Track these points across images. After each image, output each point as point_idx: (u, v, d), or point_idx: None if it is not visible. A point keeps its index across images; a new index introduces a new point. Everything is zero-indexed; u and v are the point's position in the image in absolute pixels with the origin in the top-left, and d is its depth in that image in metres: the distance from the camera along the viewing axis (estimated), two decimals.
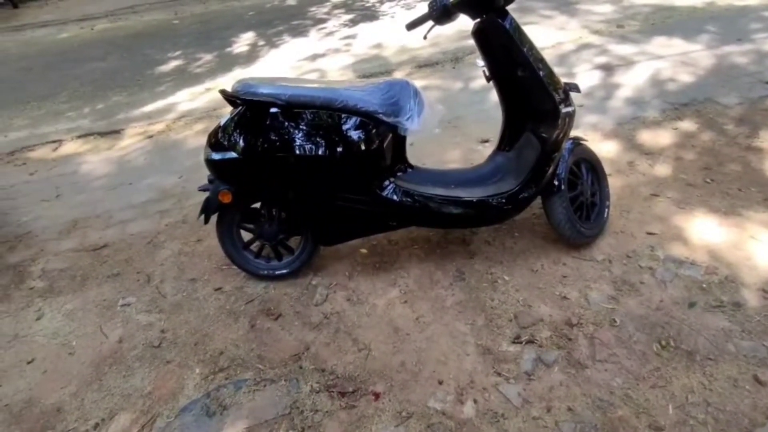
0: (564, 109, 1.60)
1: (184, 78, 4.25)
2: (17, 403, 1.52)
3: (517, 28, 1.59)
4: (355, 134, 1.58)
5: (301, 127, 1.57)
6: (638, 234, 1.93)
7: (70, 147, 3.27)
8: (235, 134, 1.61)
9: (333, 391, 1.47)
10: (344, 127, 1.58)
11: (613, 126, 2.68)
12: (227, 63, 4.47)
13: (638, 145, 2.51)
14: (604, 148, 2.49)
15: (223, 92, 1.59)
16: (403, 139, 1.76)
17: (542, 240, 1.97)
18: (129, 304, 1.89)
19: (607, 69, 3.33)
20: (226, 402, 1.46)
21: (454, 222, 1.76)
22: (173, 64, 4.63)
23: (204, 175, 2.67)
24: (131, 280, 2.02)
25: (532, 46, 1.61)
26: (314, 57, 4.30)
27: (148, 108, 3.71)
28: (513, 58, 1.61)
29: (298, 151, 1.57)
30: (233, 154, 1.61)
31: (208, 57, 4.69)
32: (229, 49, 4.83)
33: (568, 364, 1.48)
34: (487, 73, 1.75)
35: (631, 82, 3.13)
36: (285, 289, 1.88)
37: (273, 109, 1.55)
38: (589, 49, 3.61)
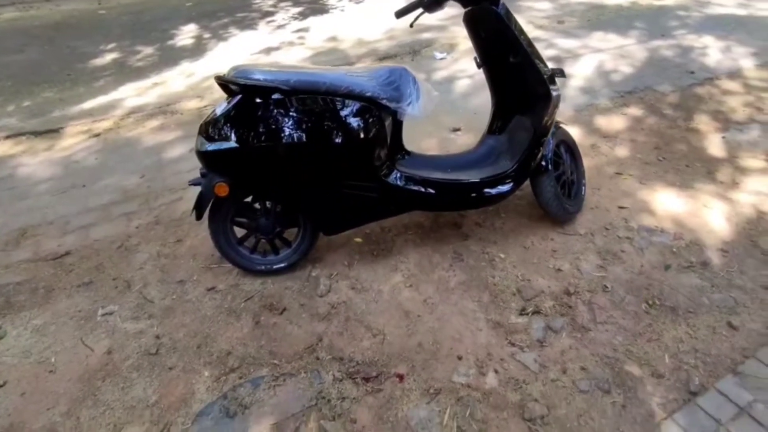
0: (554, 93, 1.71)
1: (124, 72, 3.92)
2: None
3: (509, 14, 1.67)
4: (357, 120, 1.57)
5: (301, 113, 1.53)
6: (611, 208, 2.11)
7: None
8: (231, 123, 1.53)
9: (356, 378, 1.46)
10: (345, 113, 1.56)
11: (572, 113, 2.89)
12: (172, 56, 4.19)
13: (596, 129, 2.73)
14: (571, 134, 2.68)
15: (218, 78, 1.51)
16: (401, 125, 1.78)
17: (528, 219, 2.08)
18: (111, 312, 1.73)
19: (557, 61, 3.57)
20: (246, 401, 1.40)
21: (454, 204, 1.81)
22: (109, 57, 4.25)
23: (169, 174, 2.56)
24: (108, 287, 1.85)
25: (523, 32, 1.70)
26: (268, 50, 4.17)
27: (89, 104, 3.38)
28: (505, 44, 1.69)
29: (299, 139, 1.53)
30: (231, 144, 1.53)
31: (148, 50, 4.37)
32: (171, 42, 4.53)
33: (573, 329, 1.59)
34: (479, 60, 1.81)
35: (580, 73, 3.39)
36: (284, 282, 1.82)
37: (274, 96, 1.49)
38: (537, 42, 3.79)
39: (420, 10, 1.76)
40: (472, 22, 1.73)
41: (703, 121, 2.78)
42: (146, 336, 1.63)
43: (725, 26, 4.21)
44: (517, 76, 1.74)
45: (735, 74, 3.34)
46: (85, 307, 1.76)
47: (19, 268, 1.97)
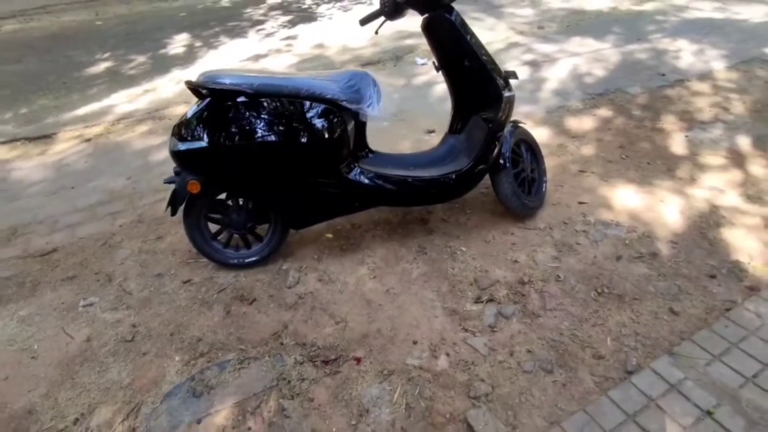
0: (506, 94, 1.82)
1: (117, 80, 4.06)
2: None
3: (462, 22, 1.78)
4: (320, 121, 1.68)
5: (267, 115, 1.64)
6: (572, 204, 2.21)
7: None
8: (202, 124, 1.64)
9: (316, 361, 1.56)
10: (310, 115, 1.67)
11: (543, 114, 3.00)
12: (163, 64, 4.33)
13: (566, 130, 2.84)
14: (538, 134, 2.77)
15: (188, 83, 1.63)
16: (364, 126, 1.89)
17: (491, 215, 2.18)
18: (92, 303, 1.84)
19: (534, 65, 3.69)
20: (212, 382, 1.50)
21: (416, 200, 1.92)
22: (103, 65, 4.39)
23: (155, 176, 2.68)
24: (90, 281, 1.96)
25: (475, 38, 1.81)
26: (256, 57, 4.30)
27: (81, 111, 3.52)
28: (460, 49, 1.80)
29: (266, 139, 1.64)
30: (201, 144, 1.64)
31: (141, 59, 4.51)
32: (163, 51, 4.68)
33: (524, 315, 1.68)
34: (437, 64, 1.93)
35: (555, 76, 3.50)
36: (256, 275, 1.92)
37: (240, 98, 1.61)
38: (516, 47, 3.97)
39: (382, 18, 1.88)
40: (429, 29, 1.85)
41: (669, 121, 2.89)
42: (123, 325, 1.73)
43: (701, 30, 4.32)
44: (472, 78, 1.85)
45: (705, 76, 3.44)
46: (68, 300, 1.87)
47: (8, 264, 2.08)
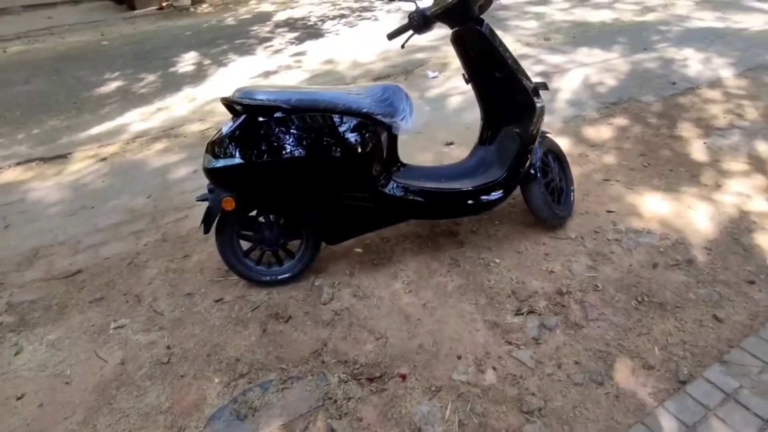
0: (538, 104, 1.82)
1: (128, 99, 4.06)
2: None
3: (493, 33, 1.79)
4: (355, 135, 1.68)
5: (303, 130, 1.63)
6: (600, 212, 2.21)
7: (9, 175, 3.00)
8: (237, 141, 1.63)
9: (361, 379, 1.52)
10: (344, 129, 1.67)
11: (561, 124, 3.02)
12: (174, 82, 4.34)
13: (585, 139, 2.85)
14: (558, 144, 2.79)
15: (224, 99, 1.62)
16: (396, 139, 1.89)
17: (521, 225, 2.17)
18: (123, 326, 1.80)
19: (545, 76, 3.72)
20: (256, 404, 1.46)
21: (451, 212, 1.91)
22: (113, 85, 4.40)
23: (175, 194, 2.66)
24: (119, 302, 1.92)
25: (506, 49, 1.82)
26: (267, 74, 4.32)
27: (95, 131, 3.50)
28: (491, 61, 1.81)
29: (302, 154, 1.63)
30: (236, 161, 1.63)
31: (151, 77, 4.52)
32: (173, 69, 4.69)
33: (567, 327, 1.66)
34: (467, 76, 1.93)
35: (567, 86, 3.54)
36: (289, 292, 1.89)
37: (276, 114, 1.60)
38: (526, 59, 4.01)
39: (410, 32, 1.89)
40: (459, 42, 1.86)
41: (685, 129, 2.91)
42: (157, 346, 1.70)
43: (704, 39, 4.39)
44: (503, 90, 1.86)
45: (715, 84, 3.48)
46: (97, 322, 1.83)
47: (33, 286, 2.05)
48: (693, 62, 3.88)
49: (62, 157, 3.17)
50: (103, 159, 3.11)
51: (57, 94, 4.30)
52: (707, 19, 5.03)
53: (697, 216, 2.14)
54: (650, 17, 5.22)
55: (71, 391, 1.56)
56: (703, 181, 2.39)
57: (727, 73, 3.64)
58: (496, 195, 1.86)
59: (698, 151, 2.66)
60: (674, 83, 3.50)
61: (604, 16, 5.33)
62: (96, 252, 2.24)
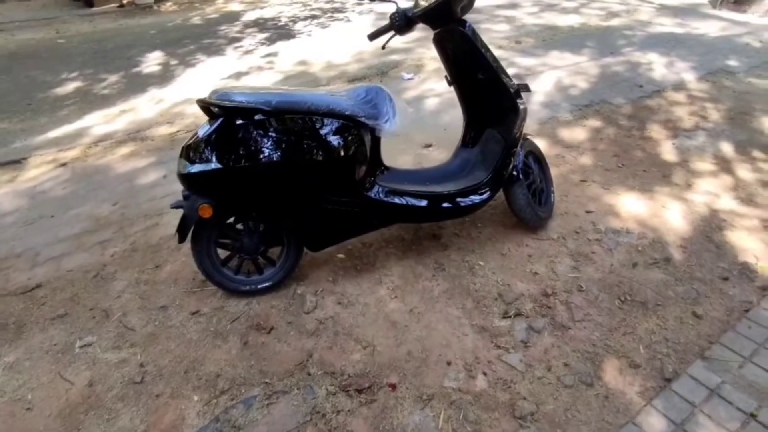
0: (521, 106, 1.82)
1: (89, 100, 3.84)
2: None
3: (476, 34, 1.78)
4: (338, 138, 1.62)
5: (283, 133, 1.57)
6: (580, 213, 2.24)
7: None
8: (214, 145, 1.54)
9: (349, 390, 1.47)
10: (326, 132, 1.61)
11: (537, 126, 3.06)
12: (138, 83, 4.14)
13: (560, 140, 2.90)
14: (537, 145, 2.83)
15: (200, 101, 1.53)
16: (379, 141, 1.84)
17: (503, 227, 2.17)
18: (90, 344, 1.68)
19: (519, 78, 3.76)
20: (240, 422, 1.38)
21: (436, 215, 1.88)
22: (72, 85, 4.16)
23: (144, 200, 2.53)
24: (85, 318, 1.79)
25: (488, 50, 1.81)
26: (238, 75, 4.20)
27: (53, 134, 3.29)
28: (473, 62, 1.79)
29: (283, 158, 1.56)
30: (214, 166, 1.54)
31: (113, 78, 4.30)
32: (137, 69, 4.48)
33: (554, 328, 1.66)
34: (449, 78, 1.92)
35: (540, 89, 3.59)
36: (270, 302, 1.82)
37: (257, 117, 1.53)
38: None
39: (392, 33, 1.86)
40: (441, 43, 1.84)
41: (655, 130, 3.00)
42: (129, 365, 1.59)
43: (666, 44, 4.57)
44: (486, 91, 1.85)
45: (679, 87, 3.63)
46: (61, 340, 1.70)
47: None
48: (657, 66, 4.02)
49: (16, 163, 2.96)
50: (63, 164, 2.92)
51: (9, 94, 4.03)
52: (668, 25, 5.24)
53: (671, 215, 2.21)
54: (615, 22, 5.40)
55: (33, 418, 1.43)
56: (675, 181, 2.47)
57: (689, 77, 3.79)
58: (480, 197, 1.85)
59: (668, 151, 2.75)
60: (641, 86, 3.62)
61: (572, 20, 5.47)
62: (57, 264, 2.08)
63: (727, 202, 2.29)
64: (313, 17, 6.10)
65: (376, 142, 1.81)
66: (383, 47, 1.95)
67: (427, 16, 1.75)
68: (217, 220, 1.69)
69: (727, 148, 2.78)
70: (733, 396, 1.39)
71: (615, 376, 1.48)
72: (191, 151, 1.56)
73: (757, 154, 2.71)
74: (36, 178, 2.78)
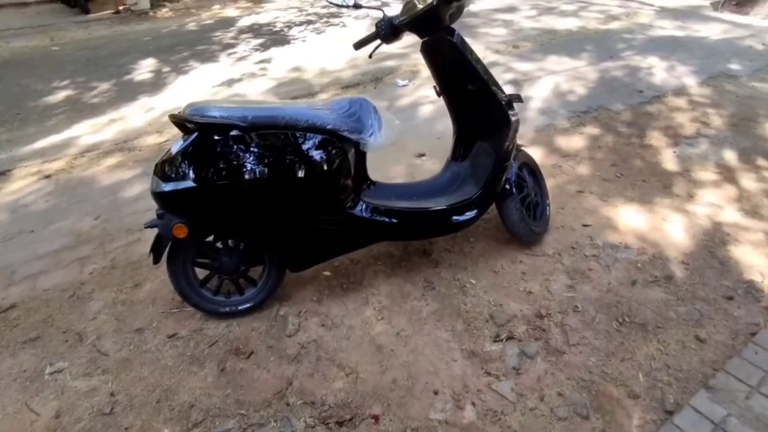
0: (513, 118, 1.74)
1: (78, 109, 3.78)
2: None
3: (465, 44, 1.70)
4: (320, 153, 1.54)
5: (262, 149, 1.49)
6: (576, 227, 2.15)
7: None
8: (189, 161, 1.47)
9: (329, 423, 1.39)
10: (308, 147, 1.53)
11: (533, 134, 2.97)
12: (129, 91, 4.08)
13: (557, 149, 2.81)
14: (531, 154, 2.73)
15: (173, 117, 1.46)
16: (364, 156, 1.76)
17: (496, 242, 2.09)
18: (60, 370, 1.60)
19: (516, 84, 3.69)
20: None
21: (423, 233, 1.79)
22: (62, 94, 4.10)
23: (127, 214, 2.45)
24: (57, 342, 1.71)
25: (479, 60, 1.73)
26: (230, 82, 4.13)
27: (39, 144, 3.23)
28: (463, 73, 1.71)
29: (261, 175, 1.48)
30: (188, 184, 1.46)
31: (104, 86, 4.24)
32: (128, 77, 4.42)
33: (548, 353, 1.57)
34: (438, 89, 1.83)
35: (537, 94, 3.51)
36: (251, 324, 1.74)
37: (233, 132, 1.45)
38: (495, 67, 3.97)
39: (378, 41, 1.78)
40: (429, 52, 1.76)
41: (655, 138, 2.91)
42: (99, 394, 1.51)
43: (667, 47, 4.48)
44: (476, 103, 1.77)
45: (680, 92, 3.53)
46: (30, 366, 1.62)
47: None
48: (658, 70, 3.93)
49: (1, 175, 2.90)
50: (48, 176, 2.85)
51: None
52: (668, 28, 5.15)
53: (672, 228, 2.12)
54: (614, 25, 5.32)
55: None
56: (676, 192, 2.37)
57: (690, 81, 3.70)
58: (471, 214, 1.77)
59: (669, 160, 2.66)
60: (641, 91, 3.53)
61: (570, 24, 5.39)
62: (33, 283, 2.01)
63: (730, 215, 2.19)
64: (309, 22, 6.04)
65: (360, 156, 1.72)
66: (370, 56, 1.87)
67: (413, 25, 1.67)
68: (194, 240, 1.61)
69: (730, 156, 2.68)
70: (739, 431, 1.30)
71: (612, 407, 1.39)
72: (165, 167, 1.48)
73: (761, 162, 2.62)
74: (19, 191, 2.71)
